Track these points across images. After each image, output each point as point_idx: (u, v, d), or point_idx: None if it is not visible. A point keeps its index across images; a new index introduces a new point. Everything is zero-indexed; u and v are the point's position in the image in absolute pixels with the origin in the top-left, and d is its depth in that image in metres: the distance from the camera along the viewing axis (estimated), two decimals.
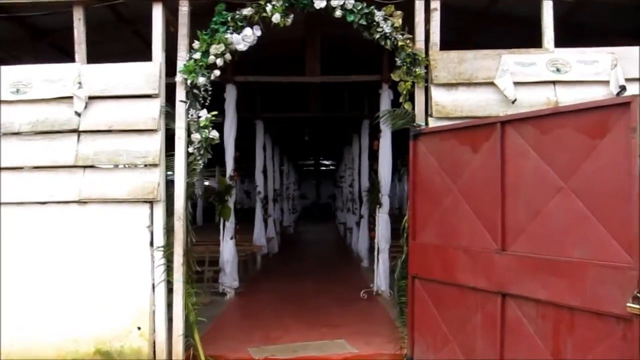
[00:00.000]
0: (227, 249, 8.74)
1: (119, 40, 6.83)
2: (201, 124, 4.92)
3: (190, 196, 5.13)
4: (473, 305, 4.21)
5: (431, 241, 4.68)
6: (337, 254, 16.09)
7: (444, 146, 4.62)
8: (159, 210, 5.01)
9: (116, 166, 5.31)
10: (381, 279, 8.71)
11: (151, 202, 4.99)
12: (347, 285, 9.76)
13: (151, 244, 5.01)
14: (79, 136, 5.10)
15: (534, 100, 4.87)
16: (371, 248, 12.21)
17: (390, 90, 8.89)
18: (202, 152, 4.96)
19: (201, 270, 8.64)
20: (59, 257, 5.01)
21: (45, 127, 5.07)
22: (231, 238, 8.82)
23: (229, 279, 8.69)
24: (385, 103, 8.82)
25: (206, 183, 22.75)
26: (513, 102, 4.81)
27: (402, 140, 5.32)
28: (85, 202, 5.03)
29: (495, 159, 4.04)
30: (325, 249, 17.46)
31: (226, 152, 8.85)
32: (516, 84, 4.87)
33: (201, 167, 5.04)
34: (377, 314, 7.55)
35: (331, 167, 34.08)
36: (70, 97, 5.06)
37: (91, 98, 5.11)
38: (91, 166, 5.09)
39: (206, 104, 5.02)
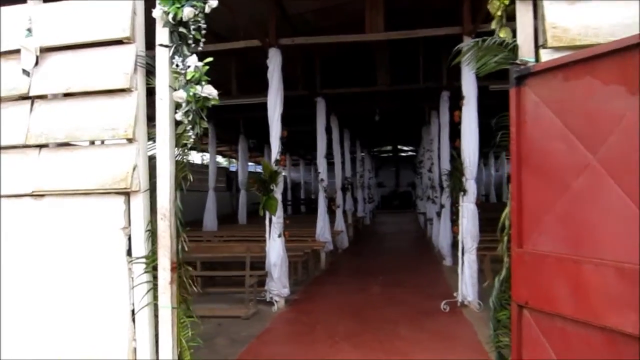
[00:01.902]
0: (274, 250, 7.19)
1: None
2: (188, 77, 3.31)
3: (179, 185, 3.55)
4: None
5: (551, 249, 2.82)
6: (415, 249, 14.18)
7: (571, 91, 2.73)
8: (139, 205, 3.47)
9: (92, 144, 3.86)
10: (467, 286, 6.87)
11: (127, 194, 3.48)
12: (425, 291, 7.97)
13: (128, 252, 3.50)
14: (32, 105, 3.66)
15: None
16: (455, 243, 10.34)
17: None
18: (192, 118, 3.35)
19: (241, 276, 7.19)
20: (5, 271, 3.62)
21: None
22: (279, 236, 7.25)
23: (277, 285, 7.15)
24: (467, 68, 6.90)
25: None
26: None
27: (496, 108, 3.53)
28: (40, 195, 3.59)
29: None
30: (402, 244, 15.58)
31: (271, 131, 7.28)
32: None
33: (192, 140, 3.44)
34: (462, 335, 5.75)
35: (410, 152, 32.18)
36: (18, 51, 3.63)
37: (44, 50, 3.65)
38: (47, 145, 3.65)
39: (199, 47, 3.41)
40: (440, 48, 9.53)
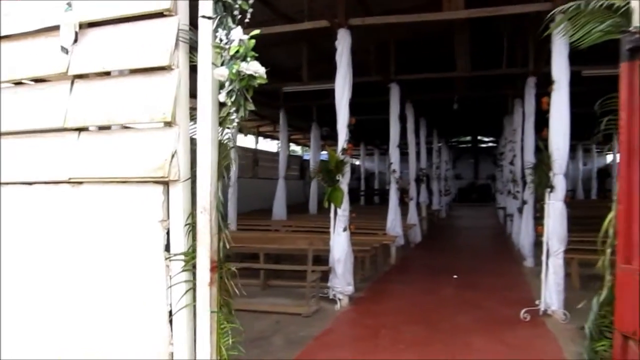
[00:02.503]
0: (339, 244, 6.77)
1: None
2: (232, 52, 2.91)
3: (222, 174, 3.17)
4: None
5: None
6: (493, 246, 13.30)
7: None
8: (178, 196, 3.12)
9: (127, 128, 3.58)
10: (551, 294, 6.16)
11: (166, 184, 3.14)
12: (503, 295, 7.28)
13: (167, 248, 3.17)
14: (72, 85, 3.40)
15: None
16: (537, 243, 9.50)
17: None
18: (236, 99, 2.95)
19: (302, 271, 6.82)
20: (39, 263, 3.40)
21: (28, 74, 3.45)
22: (344, 230, 6.81)
23: (341, 282, 6.72)
24: (559, 48, 6.18)
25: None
26: None
27: (588, 96, 2.90)
28: (79, 182, 3.33)
29: None
30: (479, 240, 14.70)
31: (338, 117, 6.83)
32: None
33: (236, 123, 3.04)
34: (545, 351, 5.10)
35: (490, 143, 30.81)
36: (57, 28, 3.38)
37: (85, 26, 3.38)
38: (87, 128, 3.38)
39: (246, 19, 3.00)
40: (527, 28, 8.68)
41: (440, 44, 10.29)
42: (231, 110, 3.01)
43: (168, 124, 3.10)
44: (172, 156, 3.07)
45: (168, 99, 3.07)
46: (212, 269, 3.08)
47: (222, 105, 3.07)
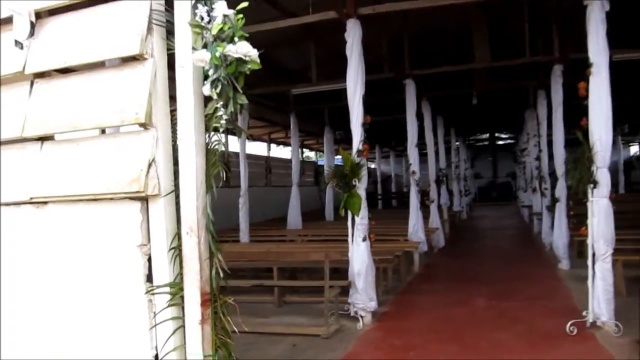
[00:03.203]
0: (358, 256, 6.16)
1: None
2: (214, 31, 2.32)
3: (210, 185, 2.57)
4: None
5: None
6: (522, 248, 12.55)
7: None
8: (159, 214, 2.53)
9: (103, 132, 3.02)
10: (600, 303, 5.48)
11: (145, 200, 2.55)
12: (541, 305, 6.62)
13: (149, 279, 2.59)
14: (31, 86, 2.84)
15: None
16: (572, 244, 8.83)
17: (605, 1, 5.50)
18: (222, 90, 2.36)
19: (319, 287, 6.21)
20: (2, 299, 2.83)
21: None
22: (363, 240, 6.19)
23: (363, 297, 6.10)
24: (596, 26, 5.56)
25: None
26: None
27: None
28: (43, 202, 2.76)
29: None
30: (506, 242, 13.94)
31: (351, 116, 6.24)
32: None
33: (224, 123, 2.44)
34: None
35: (509, 140, 30.04)
36: (10, 20, 2.82)
37: (44, 15, 2.82)
38: (51, 137, 2.82)
39: None
40: (551, 11, 8.02)
41: (457, 34, 9.66)
42: (218, 105, 2.42)
43: (143, 127, 2.52)
44: (149, 165, 2.49)
45: (141, 96, 2.49)
46: (203, 304, 2.49)
47: (208, 100, 2.49)
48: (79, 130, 2.70)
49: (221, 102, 2.41)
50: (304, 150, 27.08)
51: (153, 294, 2.54)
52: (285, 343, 5.57)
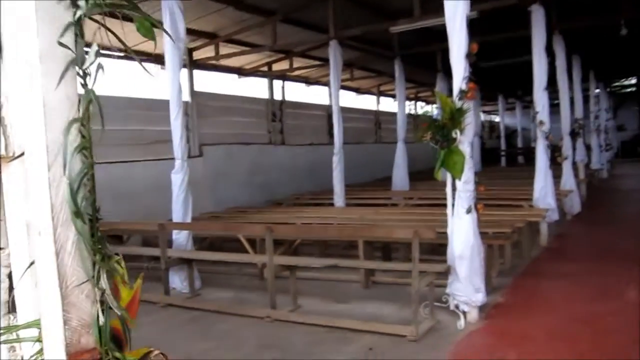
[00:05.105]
0: (461, 234, 4.64)
1: None
2: None
3: (86, 145, 1.26)
4: None
5: None
6: None
7: None
8: (17, 189, 1.31)
9: None
10: None
11: None
12: None
13: (12, 307, 1.38)
14: None
15: None
16: None
17: None
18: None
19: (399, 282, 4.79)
20: None
21: None
22: (468, 211, 4.63)
23: (466, 288, 4.60)
24: None
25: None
26: None
27: None
28: None
29: None
30: None
31: (450, 45, 4.63)
32: None
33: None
34: None
35: None
36: None
37: None
38: None
39: None
40: None
41: None
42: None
43: None
44: None
45: None
46: None
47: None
48: None
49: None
50: (419, 103, 25.07)
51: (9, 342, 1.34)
52: (358, 344, 4.28)
